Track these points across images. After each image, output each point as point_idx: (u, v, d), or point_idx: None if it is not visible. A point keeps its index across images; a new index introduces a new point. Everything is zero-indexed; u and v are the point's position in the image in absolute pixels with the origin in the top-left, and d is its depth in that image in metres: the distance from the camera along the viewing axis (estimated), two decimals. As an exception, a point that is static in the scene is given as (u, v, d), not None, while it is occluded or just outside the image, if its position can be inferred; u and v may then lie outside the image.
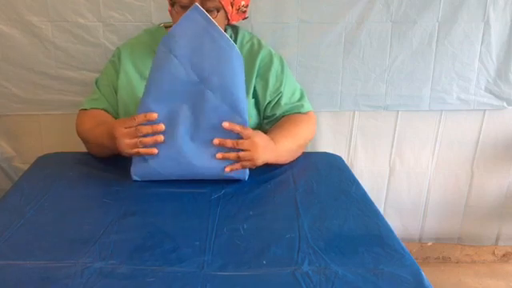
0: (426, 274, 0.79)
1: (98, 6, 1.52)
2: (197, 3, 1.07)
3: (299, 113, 1.37)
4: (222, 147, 1.09)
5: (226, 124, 1.07)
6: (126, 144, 1.07)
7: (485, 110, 1.75)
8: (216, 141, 1.08)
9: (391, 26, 1.60)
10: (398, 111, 1.74)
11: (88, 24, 1.54)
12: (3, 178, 1.74)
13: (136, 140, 1.07)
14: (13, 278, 0.77)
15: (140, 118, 1.06)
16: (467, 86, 1.69)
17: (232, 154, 1.10)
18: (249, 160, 1.12)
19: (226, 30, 1.36)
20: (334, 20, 1.59)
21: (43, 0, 1.50)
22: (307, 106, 1.40)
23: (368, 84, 1.67)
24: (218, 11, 1.20)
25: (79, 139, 1.67)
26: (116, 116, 1.32)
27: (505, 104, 1.72)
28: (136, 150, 1.07)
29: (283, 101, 1.35)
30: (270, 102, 1.36)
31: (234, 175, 1.13)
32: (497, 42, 1.64)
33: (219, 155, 1.09)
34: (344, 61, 1.64)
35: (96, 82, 1.39)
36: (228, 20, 1.28)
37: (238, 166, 1.12)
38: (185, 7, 1.15)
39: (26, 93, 1.61)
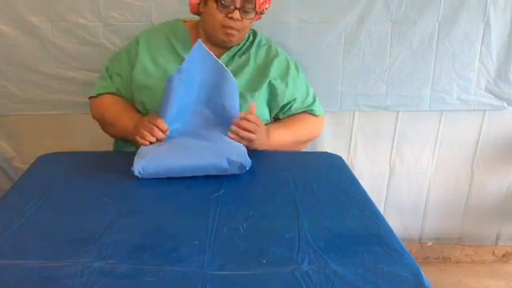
0: (426, 273, 0.79)
1: (98, 5, 1.52)
2: (200, 40, 1.22)
3: (307, 113, 1.45)
4: (227, 143, 1.21)
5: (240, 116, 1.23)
6: (138, 131, 1.20)
7: (485, 110, 1.75)
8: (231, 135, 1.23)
9: (391, 26, 1.60)
10: (398, 111, 1.74)
11: (88, 24, 1.54)
12: (3, 178, 1.74)
13: (145, 133, 1.18)
14: (13, 277, 0.77)
15: (162, 126, 1.19)
16: (467, 86, 1.69)
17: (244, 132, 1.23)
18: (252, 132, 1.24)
19: None
20: (334, 20, 1.59)
21: (43, 0, 1.50)
22: (317, 109, 1.47)
23: (368, 84, 1.67)
24: (255, 13, 1.31)
25: (79, 139, 1.67)
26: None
27: (505, 104, 1.72)
28: (139, 138, 1.19)
29: (294, 107, 1.43)
30: (284, 106, 1.42)
31: (236, 159, 1.14)
32: (497, 42, 1.64)
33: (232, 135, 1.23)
34: (344, 61, 1.64)
35: (107, 70, 1.40)
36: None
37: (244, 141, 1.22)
38: (225, 6, 1.26)
39: (26, 93, 1.61)
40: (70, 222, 0.95)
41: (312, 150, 1.75)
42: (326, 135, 1.75)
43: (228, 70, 1.24)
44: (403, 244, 0.89)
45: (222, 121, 1.25)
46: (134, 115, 1.32)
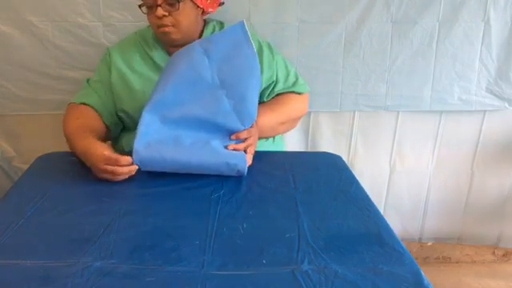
0: (426, 273, 0.79)
1: (98, 5, 1.52)
2: (243, 20, 1.16)
3: (292, 92, 1.44)
4: (223, 142, 1.17)
5: (231, 147, 1.16)
6: (100, 176, 1.11)
7: (485, 111, 1.75)
8: (230, 147, 1.16)
9: (391, 26, 1.60)
10: (398, 111, 1.74)
11: (88, 24, 1.54)
12: (3, 177, 1.74)
13: (112, 178, 1.11)
14: (13, 277, 0.77)
15: (125, 161, 1.09)
16: (468, 86, 1.68)
17: (242, 145, 1.17)
18: (255, 143, 1.22)
19: (207, 24, 1.40)
20: (334, 20, 1.59)
21: (43, 0, 1.50)
22: (301, 88, 1.46)
23: (368, 84, 1.67)
24: (179, 3, 1.24)
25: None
26: (103, 112, 1.34)
27: (506, 105, 1.72)
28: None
29: (277, 88, 1.41)
30: (265, 89, 1.40)
31: (235, 163, 1.13)
32: (497, 42, 1.64)
33: (230, 147, 1.16)
34: (344, 61, 1.64)
35: (87, 81, 1.42)
36: (203, 10, 1.31)
37: (252, 152, 1.19)
38: (150, 7, 1.25)
39: (26, 93, 1.61)
40: (70, 221, 0.95)
41: (312, 150, 1.75)
42: (326, 135, 1.75)
43: (259, 63, 1.18)
44: (403, 244, 0.89)
45: (233, 109, 1.18)
46: (84, 138, 1.20)
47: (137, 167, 1.11)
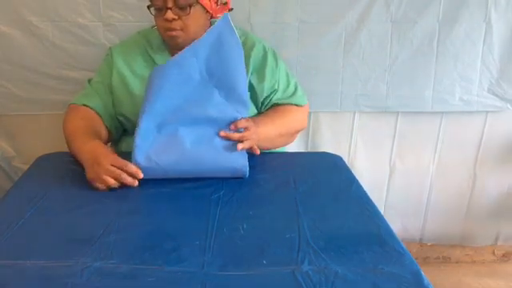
0: (426, 273, 0.79)
1: (98, 5, 1.52)
2: (226, 13, 1.15)
3: (290, 104, 1.41)
4: (224, 141, 1.15)
5: (223, 133, 1.15)
6: (102, 179, 1.08)
7: (487, 112, 1.74)
8: (222, 133, 1.14)
9: (391, 26, 1.60)
10: (398, 111, 1.73)
11: (88, 24, 1.54)
12: (3, 177, 1.74)
13: (108, 180, 1.07)
14: (13, 277, 0.77)
15: (131, 169, 1.09)
16: (470, 87, 1.68)
17: (236, 134, 1.15)
18: (252, 138, 1.18)
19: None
20: (334, 20, 1.58)
21: (43, 0, 1.50)
22: (300, 100, 1.44)
23: (368, 84, 1.66)
24: (190, 7, 1.23)
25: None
26: (105, 115, 1.33)
27: (508, 106, 1.71)
28: (98, 183, 1.08)
29: (275, 97, 1.39)
30: (266, 98, 1.38)
31: (236, 166, 1.14)
32: (499, 43, 1.63)
33: (222, 133, 1.14)
34: (344, 61, 1.63)
35: (88, 81, 1.40)
36: (211, 15, 1.30)
37: (246, 144, 1.16)
38: (159, 9, 1.23)
39: (26, 93, 1.61)
40: (69, 222, 0.96)
41: (312, 150, 1.75)
42: (326, 135, 1.75)
43: (242, 49, 1.17)
44: (403, 244, 0.89)
45: (227, 100, 1.16)
46: (89, 140, 1.20)
47: (137, 183, 1.10)
